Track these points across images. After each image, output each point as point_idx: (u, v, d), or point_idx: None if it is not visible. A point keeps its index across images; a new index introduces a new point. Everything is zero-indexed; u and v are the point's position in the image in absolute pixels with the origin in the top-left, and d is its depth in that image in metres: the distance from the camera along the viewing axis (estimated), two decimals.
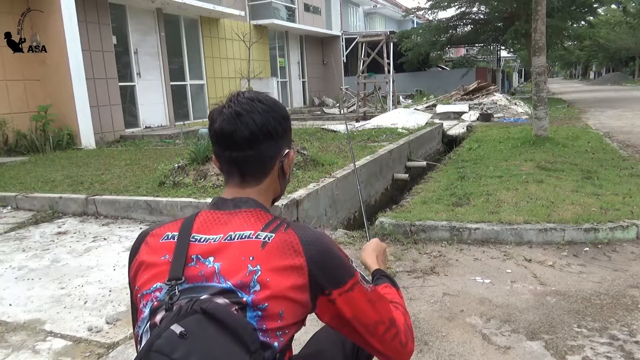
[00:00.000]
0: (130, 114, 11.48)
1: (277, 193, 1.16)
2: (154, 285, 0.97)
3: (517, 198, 4.40)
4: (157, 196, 4.66)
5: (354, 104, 15.40)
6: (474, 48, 28.54)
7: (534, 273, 3.09)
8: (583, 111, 14.83)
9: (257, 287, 0.92)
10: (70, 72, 8.96)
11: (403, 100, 19.02)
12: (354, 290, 0.99)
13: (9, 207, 5.23)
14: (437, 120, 11.82)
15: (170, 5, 11.89)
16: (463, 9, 19.70)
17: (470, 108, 14.22)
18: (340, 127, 10.22)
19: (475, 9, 19.95)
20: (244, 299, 0.91)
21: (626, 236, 3.60)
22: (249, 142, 1.04)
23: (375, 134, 8.80)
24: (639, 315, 2.51)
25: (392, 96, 15.02)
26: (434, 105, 15.32)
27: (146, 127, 11.75)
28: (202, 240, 0.99)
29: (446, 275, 3.11)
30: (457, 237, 3.69)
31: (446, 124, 11.79)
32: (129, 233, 4.23)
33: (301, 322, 1.00)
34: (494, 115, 13.26)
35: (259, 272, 0.93)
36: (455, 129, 11.38)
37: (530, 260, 3.30)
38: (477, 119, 12.81)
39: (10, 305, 2.90)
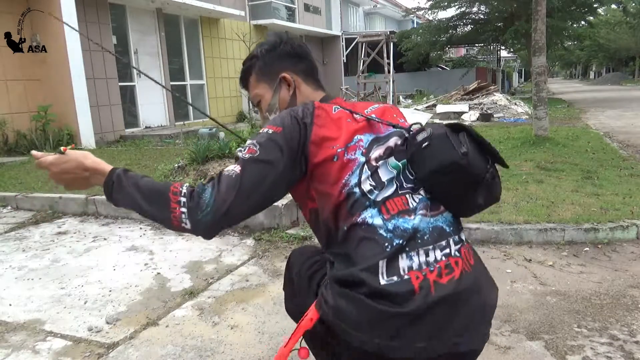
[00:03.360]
0: (130, 114, 11.47)
1: None
2: (355, 138, 1.27)
3: (517, 198, 4.40)
4: None
5: None
6: (474, 48, 28.56)
7: (534, 273, 3.09)
8: (583, 111, 14.82)
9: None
10: (70, 72, 8.95)
11: (403, 100, 19.01)
12: None
13: (9, 207, 5.23)
14: (437, 120, 11.81)
15: (170, 5, 11.89)
16: (463, 9, 19.71)
17: (470, 108, 14.20)
18: None
19: (475, 9, 19.97)
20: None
21: (626, 236, 3.60)
22: None
23: None
24: (639, 315, 2.51)
25: (392, 96, 15.03)
26: (434, 105, 15.30)
27: (146, 127, 11.74)
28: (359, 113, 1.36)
29: None
30: None
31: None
32: (129, 233, 4.23)
33: None
34: (494, 115, 13.24)
35: (404, 120, 1.46)
36: None
37: (530, 260, 3.31)
38: (477, 119, 12.80)
39: (10, 305, 2.90)
